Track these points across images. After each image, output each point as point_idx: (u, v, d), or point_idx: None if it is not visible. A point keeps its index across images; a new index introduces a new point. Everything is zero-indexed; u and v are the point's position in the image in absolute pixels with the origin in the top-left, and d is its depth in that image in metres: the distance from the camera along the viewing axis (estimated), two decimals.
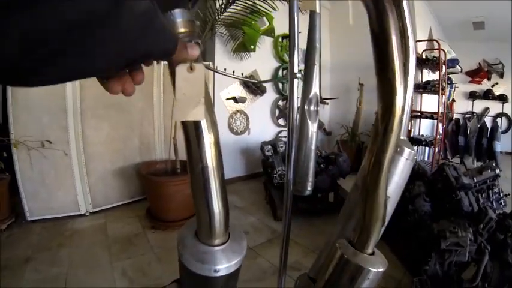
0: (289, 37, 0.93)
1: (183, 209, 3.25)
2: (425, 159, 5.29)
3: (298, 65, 0.95)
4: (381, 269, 0.66)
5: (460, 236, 2.03)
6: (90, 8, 0.27)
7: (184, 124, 0.52)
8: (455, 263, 2.05)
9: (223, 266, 0.59)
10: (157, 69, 3.79)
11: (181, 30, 0.48)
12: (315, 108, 1.14)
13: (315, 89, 1.13)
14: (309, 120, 1.11)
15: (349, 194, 0.96)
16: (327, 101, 5.80)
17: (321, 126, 5.58)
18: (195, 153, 0.54)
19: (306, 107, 1.10)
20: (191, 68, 0.45)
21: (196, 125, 0.51)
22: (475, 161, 5.78)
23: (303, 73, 1.04)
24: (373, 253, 0.69)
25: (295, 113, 0.95)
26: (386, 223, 0.72)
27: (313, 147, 1.13)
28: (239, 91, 4.77)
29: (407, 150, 0.82)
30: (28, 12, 0.24)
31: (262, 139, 4.31)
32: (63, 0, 0.25)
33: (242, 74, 4.29)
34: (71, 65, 0.29)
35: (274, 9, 3.00)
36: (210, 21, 3.17)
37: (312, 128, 1.12)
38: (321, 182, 3.23)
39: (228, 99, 4.64)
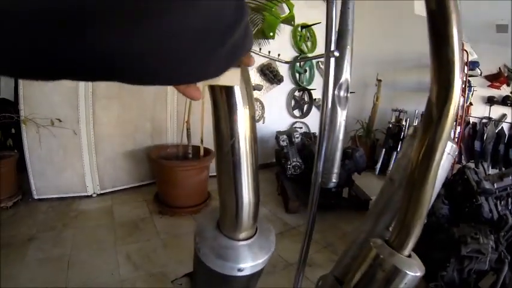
0: (327, 8, 0.82)
1: (193, 195, 3.20)
2: None
3: (335, 42, 0.85)
4: (418, 274, 0.59)
5: (482, 242, 1.94)
6: (219, 17, 0.28)
7: (214, 92, 0.42)
8: (474, 271, 1.96)
9: (249, 265, 0.49)
10: None
11: None
12: (345, 94, 1.06)
13: (346, 74, 1.04)
14: (338, 107, 1.03)
15: (382, 188, 0.88)
16: None
17: None
18: (224, 128, 0.43)
19: (335, 92, 1.02)
20: None
21: (229, 93, 0.41)
22: (490, 168, 5.65)
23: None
24: (409, 256, 0.62)
25: (330, 98, 0.86)
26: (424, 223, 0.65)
27: (341, 136, 1.05)
28: (256, 78, 4.67)
29: (449, 144, 0.73)
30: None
31: (276, 129, 4.23)
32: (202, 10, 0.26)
33: (269, 52, 4.13)
34: (199, 67, 0.30)
35: None
36: None
37: (341, 115, 1.04)
38: None
39: None
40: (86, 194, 3.40)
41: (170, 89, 3.73)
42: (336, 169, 1.05)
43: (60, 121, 3.06)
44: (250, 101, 0.43)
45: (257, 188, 0.49)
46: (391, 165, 4.71)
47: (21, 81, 2.88)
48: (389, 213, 0.81)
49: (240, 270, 0.49)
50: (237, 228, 0.50)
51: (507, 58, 7.13)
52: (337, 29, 0.90)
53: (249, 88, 0.42)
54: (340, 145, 1.04)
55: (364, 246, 0.71)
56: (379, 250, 0.61)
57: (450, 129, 0.52)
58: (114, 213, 3.10)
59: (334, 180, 1.06)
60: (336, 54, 0.81)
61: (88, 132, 3.29)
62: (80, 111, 3.20)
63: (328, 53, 0.82)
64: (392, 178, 0.84)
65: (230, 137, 0.43)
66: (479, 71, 5.68)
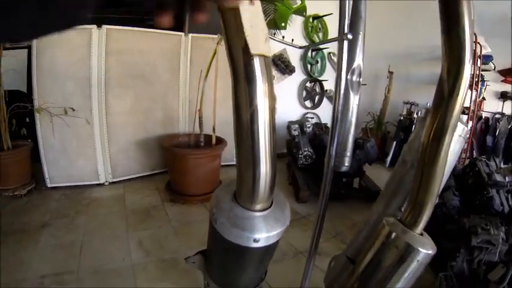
0: None
1: (204, 184, 3.22)
2: None
3: (348, 26, 0.85)
4: (430, 252, 0.61)
5: (492, 233, 1.93)
6: None
7: (233, 62, 0.43)
8: (484, 262, 1.96)
9: (264, 236, 0.50)
10: (185, 41, 3.69)
11: None
12: (358, 79, 1.06)
13: (358, 60, 1.04)
14: (351, 92, 1.03)
15: (395, 170, 0.89)
16: None
17: None
18: (242, 96, 0.43)
19: (348, 77, 1.02)
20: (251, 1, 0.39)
21: (247, 62, 0.41)
22: (502, 163, 5.58)
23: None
24: (421, 234, 0.63)
25: (343, 81, 0.86)
26: (436, 202, 0.65)
27: (353, 120, 1.05)
28: None
29: (460, 126, 0.74)
30: None
31: (287, 119, 4.21)
32: None
33: (283, 37, 4.10)
34: None
35: None
36: None
37: (354, 100, 1.04)
38: None
39: None
40: (98, 182, 3.45)
41: (183, 77, 3.74)
42: (348, 152, 1.06)
43: (73, 110, 3.10)
44: (269, 72, 0.43)
45: (274, 160, 0.49)
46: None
47: (34, 71, 2.92)
48: (401, 194, 0.82)
49: (255, 240, 0.49)
50: (253, 199, 0.50)
51: None
52: (350, 15, 0.91)
53: (267, 60, 0.43)
54: (352, 129, 1.04)
55: (376, 226, 0.72)
56: (392, 227, 0.62)
57: (461, 106, 0.53)
58: (126, 201, 3.14)
59: (346, 164, 1.06)
60: (350, 36, 0.81)
61: (101, 121, 3.34)
62: (93, 101, 3.24)
63: (341, 36, 0.82)
64: (404, 159, 0.85)
65: (249, 105, 0.43)
66: (492, 65, 5.57)
